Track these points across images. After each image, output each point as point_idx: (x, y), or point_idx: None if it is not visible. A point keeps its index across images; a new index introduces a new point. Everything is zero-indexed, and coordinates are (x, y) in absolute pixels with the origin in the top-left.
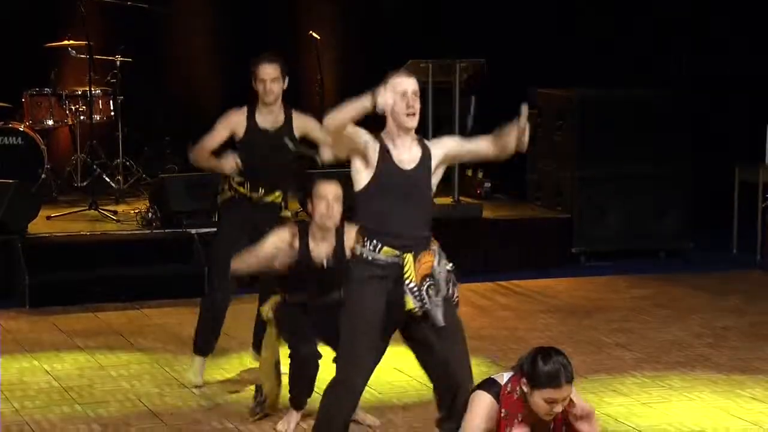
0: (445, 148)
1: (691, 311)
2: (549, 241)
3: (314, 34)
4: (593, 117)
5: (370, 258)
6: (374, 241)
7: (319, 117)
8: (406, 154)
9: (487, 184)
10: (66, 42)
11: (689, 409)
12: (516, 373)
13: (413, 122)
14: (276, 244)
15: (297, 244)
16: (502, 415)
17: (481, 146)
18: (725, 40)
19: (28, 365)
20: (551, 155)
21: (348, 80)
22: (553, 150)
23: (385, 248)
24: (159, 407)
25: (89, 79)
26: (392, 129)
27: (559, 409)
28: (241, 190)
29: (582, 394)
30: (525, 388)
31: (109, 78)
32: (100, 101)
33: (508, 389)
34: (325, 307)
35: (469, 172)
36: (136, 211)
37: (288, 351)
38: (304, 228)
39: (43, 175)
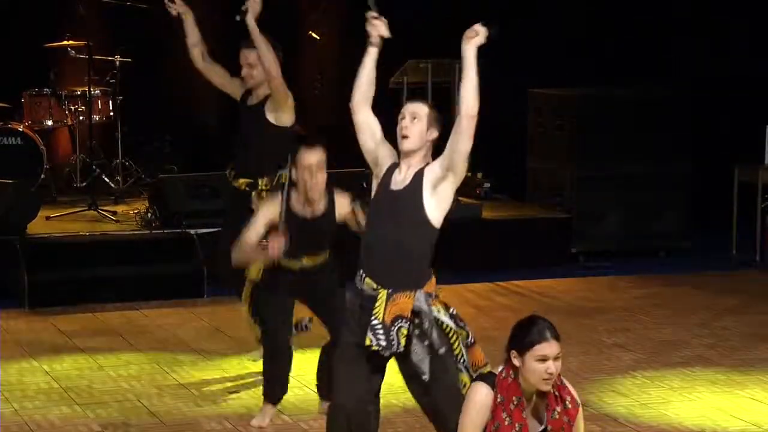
0: (439, 161)
1: (691, 311)
2: (548, 241)
3: (314, 35)
4: (593, 117)
5: (357, 286)
6: (361, 271)
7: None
8: (402, 174)
9: (487, 185)
10: (65, 42)
11: (689, 410)
12: (507, 360)
13: (406, 144)
14: (268, 216)
15: (280, 202)
16: (498, 400)
17: (451, 138)
18: (725, 41)
19: (27, 366)
20: (551, 155)
21: (348, 81)
22: (552, 150)
23: (367, 279)
24: (158, 408)
25: (88, 79)
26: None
27: (552, 369)
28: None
29: (582, 395)
30: (516, 362)
31: (108, 78)
32: (99, 101)
33: (503, 375)
34: (314, 271)
35: (469, 173)
36: (136, 211)
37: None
38: (286, 190)
39: (43, 176)
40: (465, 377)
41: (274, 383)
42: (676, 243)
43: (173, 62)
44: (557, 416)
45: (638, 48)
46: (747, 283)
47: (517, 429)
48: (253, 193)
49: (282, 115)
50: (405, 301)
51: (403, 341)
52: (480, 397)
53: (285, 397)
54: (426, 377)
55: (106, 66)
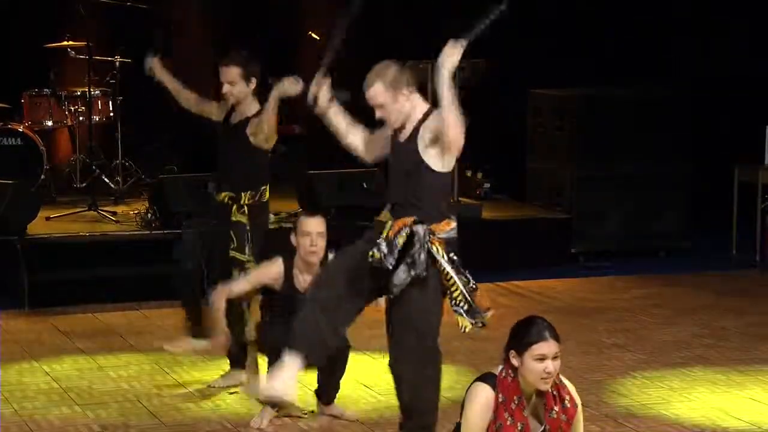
0: (433, 125)
1: (691, 311)
2: (548, 241)
3: (314, 35)
4: (593, 117)
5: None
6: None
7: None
8: (406, 129)
9: (487, 185)
10: (65, 43)
11: (688, 410)
12: (506, 360)
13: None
14: (263, 280)
15: (283, 276)
16: (500, 400)
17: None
18: (725, 41)
19: (27, 366)
20: (550, 155)
21: (348, 82)
22: (552, 150)
23: (384, 212)
24: (158, 408)
25: (88, 79)
26: None
27: (551, 368)
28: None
29: (581, 395)
30: (515, 362)
31: (108, 79)
32: (99, 102)
33: (503, 375)
34: None
35: (469, 173)
36: (136, 211)
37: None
38: (289, 261)
39: (43, 176)
40: (464, 321)
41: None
42: (676, 243)
43: (173, 62)
44: (555, 415)
45: (638, 48)
46: (747, 283)
47: (519, 428)
48: (234, 206)
49: (262, 141)
50: (406, 220)
51: (401, 242)
52: (482, 398)
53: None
54: (394, 288)
55: (106, 66)
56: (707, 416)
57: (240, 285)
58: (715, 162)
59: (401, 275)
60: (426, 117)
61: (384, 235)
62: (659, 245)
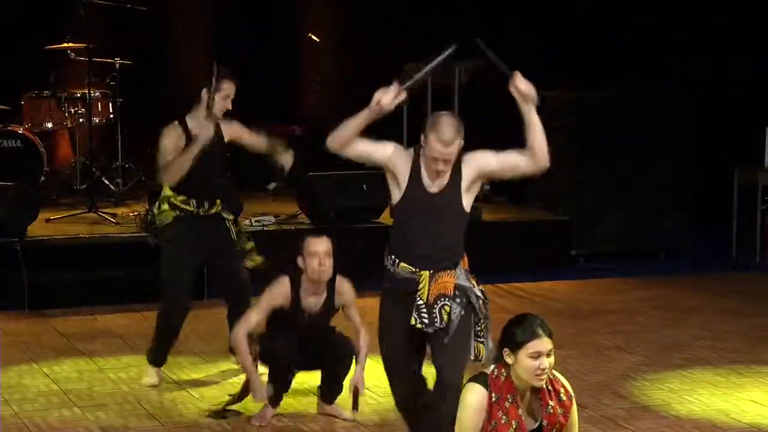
0: (477, 165)
1: (691, 313)
2: (548, 243)
3: (314, 37)
4: (592, 118)
5: (390, 270)
6: (393, 257)
7: (318, 120)
8: (437, 178)
9: (487, 187)
10: (65, 44)
11: (689, 412)
12: (497, 359)
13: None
14: (274, 304)
15: (290, 295)
16: (493, 399)
17: (513, 156)
18: (725, 41)
19: (27, 368)
20: (550, 156)
21: (348, 83)
22: (552, 151)
23: (402, 264)
24: (158, 410)
25: (88, 81)
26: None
27: (546, 364)
28: (188, 207)
29: (581, 397)
30: (509, 360)
31: (108, 80)
32: (99, 104)
33: (495, 374)
34: (306, 357)
35: None
36: (135, 213)
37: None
38: (296, 280)
39: (43, 178)
40: (483, 350)
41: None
42: (676, 244)
43: (172, 65)
44: (552, 411)
45: (638, 48)
46: (747, 284)
47: (514, 426)
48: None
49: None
50: (447, 280)
51: (445, 317)
52: (475, 398)
53: (285, 398)
54: (447, 339)
55: (106, 68)
56: (707, 418)
57: (254, 317)
58: (715, 163)
59: (456, 324)
60: (459, 162)
61: (422, 299)
62: (659, 247)
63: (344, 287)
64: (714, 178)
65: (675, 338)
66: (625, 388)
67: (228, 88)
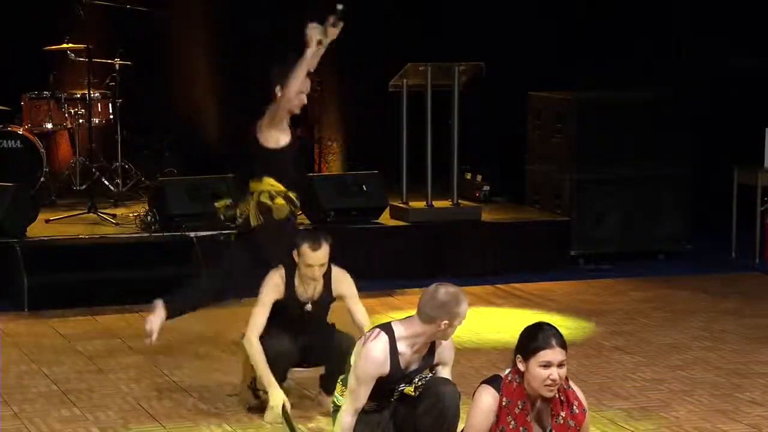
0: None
1: (690, 314)
2: (548, 243)
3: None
4: (592, 119)
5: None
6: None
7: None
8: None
9: (486, 187)
10: (65, 45)
11: (688, 413)
12: (513, 364)
13: None
14: (272, 294)
15: (284, 283)
16: (503, 403)
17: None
18: (726, 41)
19: (27, 368)
20: (550, 158)
21: (347, 83)
22: (551, 152)
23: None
24: (158, 411)
25: (88, 82)
26: None
27: (556, 375)
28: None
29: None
30: (521, 366)
31: (108, 81)
32: (99, 104)
33: (509, 379)
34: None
35: (468, 175)
36: (135, 214)
37: None
38: (290, 270)
39: (42, 179)
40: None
41: None
42: (676, 245)
43: (172, 65)
44: (562, 421)
45: (638, 48)
46: (747, 285)
47: None
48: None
49: (269, 135)
50: None
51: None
52: (486, 400)
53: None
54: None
55: (105, 69)
56: (707, 419)
57: (260, 318)
58: (715, 164)
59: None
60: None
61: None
62: (659, 247)
63: (341, 277)
64: (714, 178)
65: (675, 339)
66: (624, 389)
67: (305, 85)
